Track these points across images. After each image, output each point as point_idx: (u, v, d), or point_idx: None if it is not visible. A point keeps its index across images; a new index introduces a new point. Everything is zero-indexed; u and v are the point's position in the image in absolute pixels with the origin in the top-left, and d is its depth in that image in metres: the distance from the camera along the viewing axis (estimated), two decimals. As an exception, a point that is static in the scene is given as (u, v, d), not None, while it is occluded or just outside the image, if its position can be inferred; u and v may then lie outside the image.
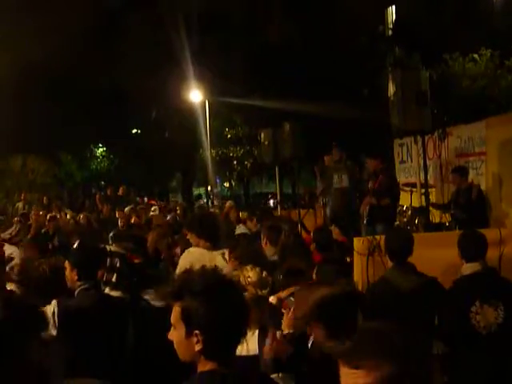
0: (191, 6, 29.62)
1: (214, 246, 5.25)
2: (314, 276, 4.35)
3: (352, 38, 23.20)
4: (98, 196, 18.67)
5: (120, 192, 17.48)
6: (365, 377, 1.79)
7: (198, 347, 2.21)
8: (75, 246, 4.83)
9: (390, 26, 25.93)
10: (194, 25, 28.64)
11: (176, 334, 2.28)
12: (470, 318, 4.39)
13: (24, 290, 4.42)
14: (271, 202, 26.89)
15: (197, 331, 2.20)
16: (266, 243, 5.77)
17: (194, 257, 5.04)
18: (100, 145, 36.58)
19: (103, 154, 36.70)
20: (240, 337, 2.30)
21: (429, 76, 7.85)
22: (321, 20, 25.51)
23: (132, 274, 5.11)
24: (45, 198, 19.26)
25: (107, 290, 4.63)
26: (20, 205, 18.58)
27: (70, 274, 4.26)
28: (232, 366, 2.25)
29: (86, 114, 31.14)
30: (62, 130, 31.05)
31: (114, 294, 4.64)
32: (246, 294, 2.94)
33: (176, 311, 2.27)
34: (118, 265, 5.29)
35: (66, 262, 4.36)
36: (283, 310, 3.35)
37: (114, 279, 5.02)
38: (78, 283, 4.21)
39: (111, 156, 36.32)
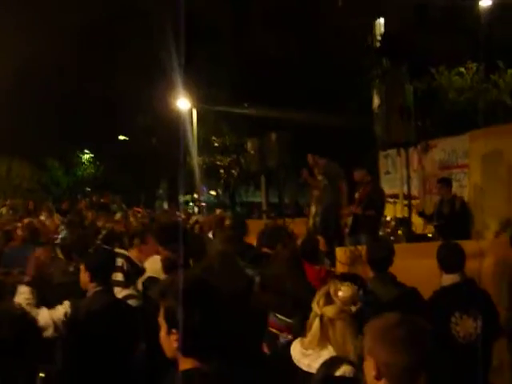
0: (181, 15, 29.69)
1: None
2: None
3: (340, 49, 23.38)
4: (83, 202, 18.62)
5: (104, 199, 17.41)
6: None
7: (175, 344, 2.34)
8: (91, 249, 4.93)
9: (378, 38, 26.18)
10: (183, 33, 28.68)
11: (161, 332, 2.42)
12: (450, 328, 4.45)
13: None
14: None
15: (174, 329, 2.33)
16: None
17: (159, 266, 5.10)
18: (86, 151, 36.45)
19: (90, 160, 36.55)
20: (219, 337, 2.40)
21: (413, 90, 7.93)
22: (310, 31, 25.69)
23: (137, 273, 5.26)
24: (30, 202, 19.03)
25: (117, 290, 4.70)
26: (4, 210, 18.40)
27: (83, 275, 4.33)
28: (215, 366, 2.33)
29: (73, 120, 31.06)
30: (48, 135, 30.93)
31: (124, 292, 4.78)
32: (331, 307, 2.84)
33: (161, 310, 2.42)
34: (124, 266, 5.44)
35: (82, 264, 4.45)
36: None
37: (120, 278, 5.14)
38: (91, 285, 4.28)
39: (98, 162, 36.20)
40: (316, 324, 2.79)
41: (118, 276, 5.19)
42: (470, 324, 4.45)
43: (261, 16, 30.04)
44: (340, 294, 2.83)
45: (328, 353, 2.80)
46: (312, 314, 2.83)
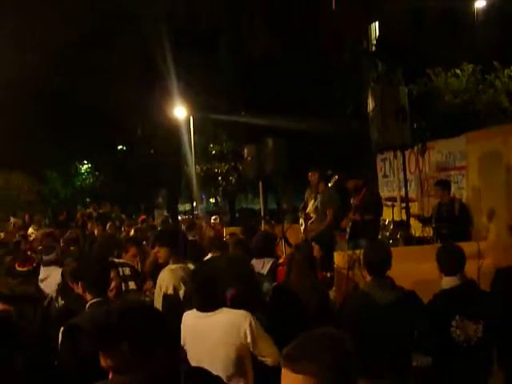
0: (177, 22, 29.78)
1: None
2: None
3: (336, 53, 23.40)
4: (81, 213, 18.57)
5: (102, 209, 17.40)
6: (301, 382, 1.78)
7: None
8: (80, 259, 4.75)
9: (374, 41, 26.20)
10: (179, 41, 28.75)
11: None
12: (451, 331, 4.38)
13: None
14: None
15: None
16: None
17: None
18: (85, 161, 36.41)
19: (88, 170, 36.52)
20: None
21: (408, 91, 7.89)
22: (305, 36, 25.73)
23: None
24: (27, 215, 18.92)
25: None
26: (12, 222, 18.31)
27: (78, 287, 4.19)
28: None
29: (71, 130, 31.02)
30: (46, 146, 30.89)
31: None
32: None
33: None
34: (129, 273, 5.32)
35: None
36: None
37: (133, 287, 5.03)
38: (88, 297, 4.08)
39: (96, 173, 36.16)
40: None
41: (131, 285, 5.08)
42: (470, 327, 4.39)
43: (257, 23, 30.11)
44: None
45: None
46: None
